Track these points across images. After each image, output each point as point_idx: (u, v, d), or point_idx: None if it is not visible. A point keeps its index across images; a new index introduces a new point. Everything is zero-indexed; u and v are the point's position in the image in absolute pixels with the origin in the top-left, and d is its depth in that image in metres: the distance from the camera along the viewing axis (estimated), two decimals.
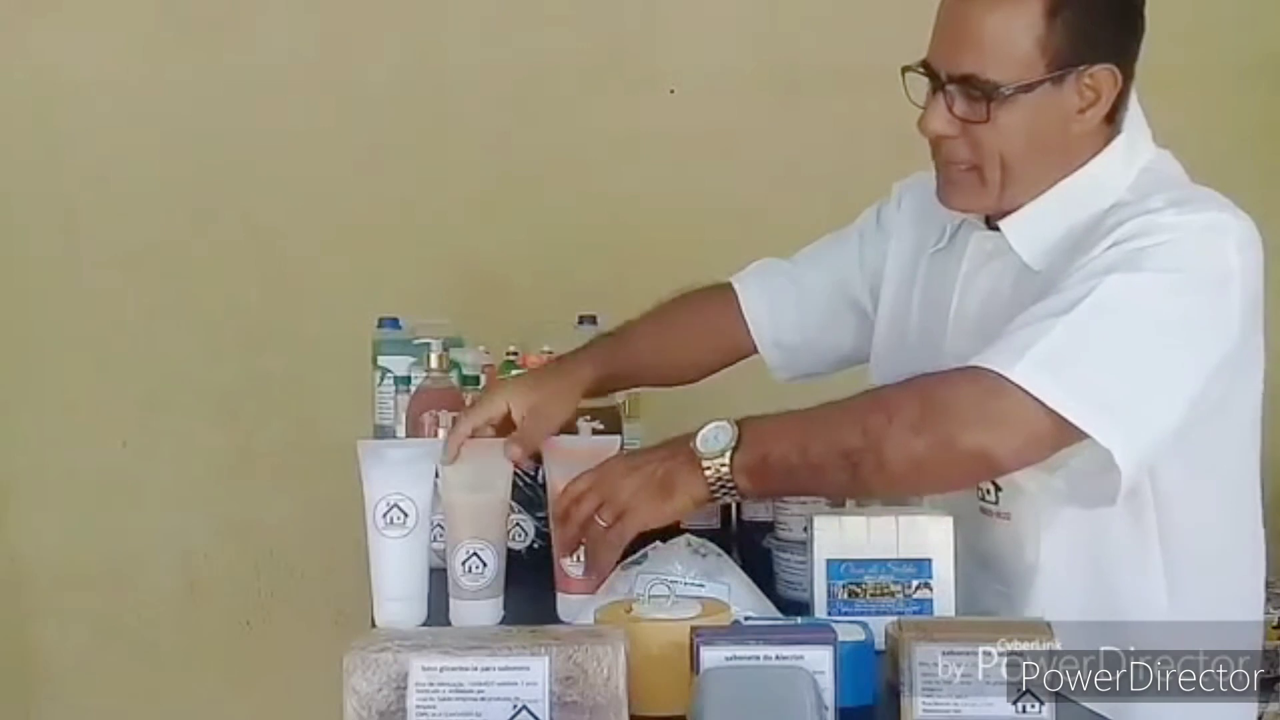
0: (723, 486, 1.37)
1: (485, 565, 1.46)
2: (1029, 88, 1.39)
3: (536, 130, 3.00)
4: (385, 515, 1.42)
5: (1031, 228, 1.47)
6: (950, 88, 1.42)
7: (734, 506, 1.83)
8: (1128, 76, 1.44)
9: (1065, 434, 1.31)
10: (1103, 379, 1.31)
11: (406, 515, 1.43)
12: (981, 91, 1.39)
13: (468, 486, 1.47)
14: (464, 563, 1.46)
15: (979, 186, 1.46)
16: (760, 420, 1.39)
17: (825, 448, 1.36)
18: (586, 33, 3.01)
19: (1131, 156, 1.48)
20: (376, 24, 3.00)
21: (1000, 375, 1.30)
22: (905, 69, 1.47)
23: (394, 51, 3.01)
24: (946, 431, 1.31)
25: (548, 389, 1.63)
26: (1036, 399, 1.29)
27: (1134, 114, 1.49)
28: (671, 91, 3.03)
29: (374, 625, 1.44)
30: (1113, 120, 1.46)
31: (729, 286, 1.82)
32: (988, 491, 1.50)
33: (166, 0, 2.98)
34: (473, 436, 1.55)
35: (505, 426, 1.58)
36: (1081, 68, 1.40)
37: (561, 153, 3.01)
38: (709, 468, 1.36)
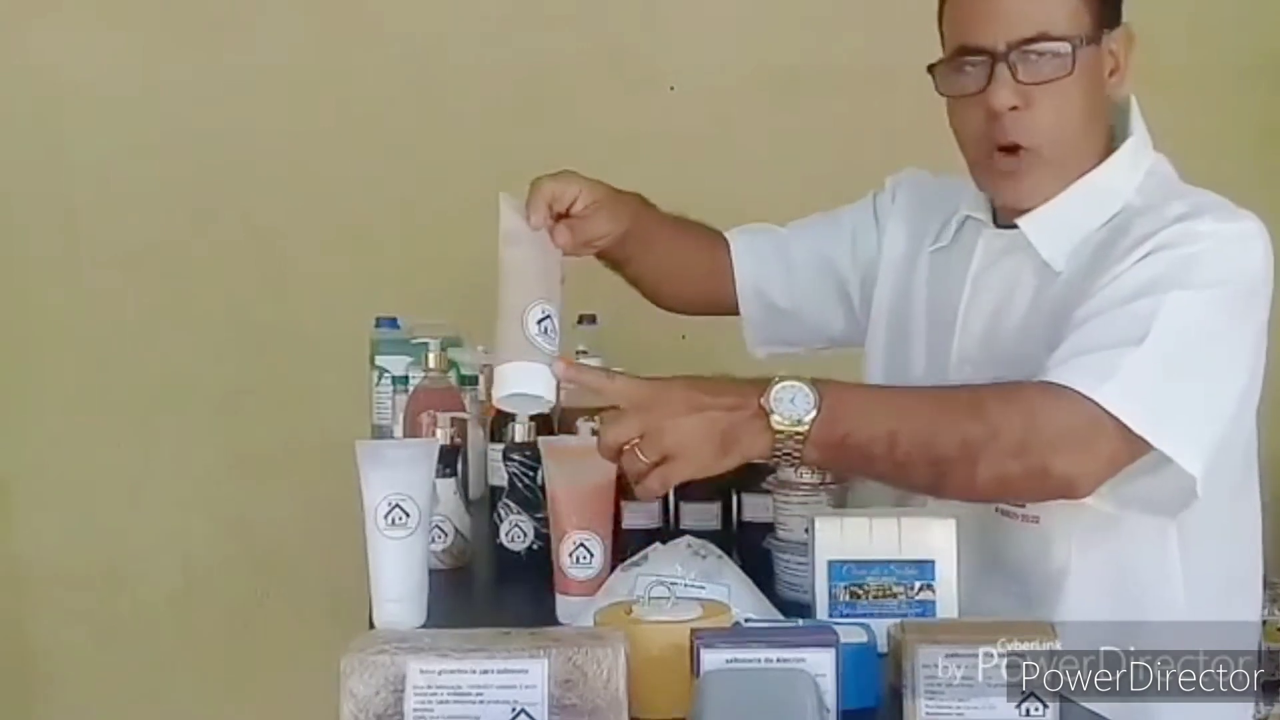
0: (788, 454, 1.29)
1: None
2: (1090, 40, 1.40)
3: (536, 130, 3.00)
4: (387, 515, 1.42)
5: (1052, 227, 1.47)
6: (1013, 56, 1.40)
7: (735, 507, 1.83)
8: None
9: (1138, 453, 1.33)
10: (1177, 401, 1.34)
11: (408, 515, 1.42)
12: (1064, 44, 1.39)
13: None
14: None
15: (1039, 167, 1.44)
16: (843, 391, 1.32)
17: (917, 448, 1.31)
18: (586, 33, 3.01)
19: (1137, 161, 1.49)
20: (376, 24, 3.00)
21: (1093, 401, 1.31)
22: (932, 66, 1.46)
23: (394, 51, 3.00)
24: (1043, 460, 1.31)
25: (611, 196, 1.58)
26: (1123, 423, 1.31)
27: (1136, 119, 1.51)
28: (671, 89, 3.03)
29: (372, 626, 1.44)
30: (1120, 107, 1.49)
31: (722, 235, 1.80)
32: None
33: (166, 0, 2.98)
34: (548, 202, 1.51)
35: (564, 211, 1.52)
36: (1108, 30, 1.43)
37: (561, 153, 2.98)
38: (781, 432, 1.28)
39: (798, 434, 1.28)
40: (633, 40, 3.04)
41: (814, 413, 1.28)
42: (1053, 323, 1.43)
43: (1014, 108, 1.42)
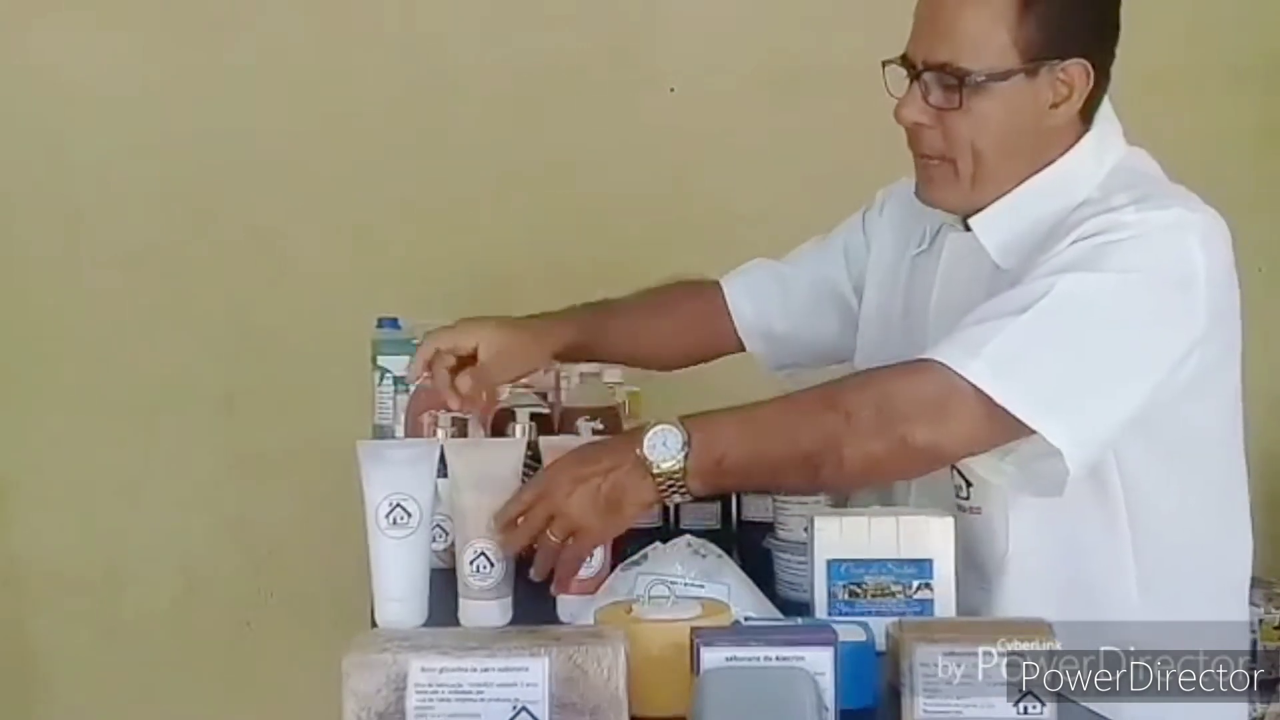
0: (673, 490, 1.37)
1: (493, 565, 1.45)
2: (1002, 76, 1.41)
3: (536, 130, 3.00)
4: (388, 515, 1.42)
5: (998, 225, 1.49)
6: (926, 76, 1.45)
7: (735, 507, 1.83)
8: (1101, 73, 1.46)
9: (1012, 429, 1.35)
10: (1051, 378, 1.34)
11: (410, 515, 1.42)
12: (955, 79, 1.42)
13: (476, 486, 1.46)
14: (472, 562, 1.45)
15: (953, 180, 1.48)
16: (708, 420, 1.38)
17: (783, 450, 1.37)
18: (586, 33, 3.01)
19: (1101, 154, 1.50)
20: (376, 24, 3.00)
21: (954, 371, 1.33)
22: (885, 62, 1.50)
23: (394, 51, 3.00)
24: (901, 432, 1.35)
25: (522, 337, 1.63)
26: (988, 396, 1.32)
27: (1105, 112, 1.51)
28: (672, 90, 3.03)
29: (374, 626, 1.44)
30: (1086, 118, 1.48)
31: (716, 283, 1.85)
32: (960, 488, 1.53)
33: (166, 0, 2.98)
34: (432, 364, 1.56)
35: (466, 362, 1.57)
36: (1054, 61, 1.43)
37: (561, 153, 3.01)
38: (659, 475, 1.36)
39: (675, 473, 1.36)
40: (633, 40, 3.04)
41: (685, 450, 1.35)
42: None
43: (919, 124, 1.47)
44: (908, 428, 1.35)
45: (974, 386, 1.32)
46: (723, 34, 3.05)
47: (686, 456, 1.35)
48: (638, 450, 1.36)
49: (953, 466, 1.49)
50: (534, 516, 1.40)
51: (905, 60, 1.48)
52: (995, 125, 1.44)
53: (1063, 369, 1.35)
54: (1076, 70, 1.44)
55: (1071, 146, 1.49)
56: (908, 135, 1.51)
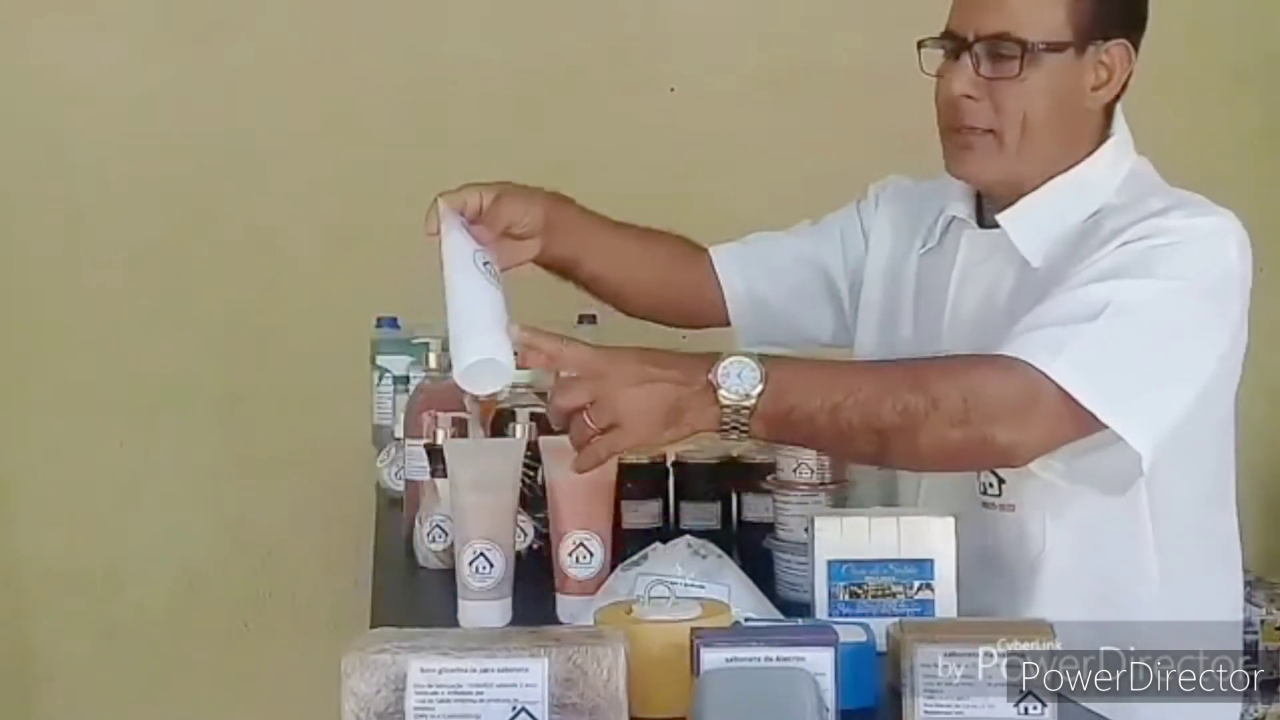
0: (735, 427, 1.31)
1: (492, 565, 1.45)
2: (1058, 48, 1.45)
3: (536, 130, 3.00)
4: (483, 263, 1.43)
5: (1030, 223, 1.51)
6: (978, 48, 1.47)
7: (735, 507, 1.83)
8: (1134, 61, 1.51)
9: (1086, 428, 1.36)
10: (1127, 381, 1.37)
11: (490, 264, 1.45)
12: (1018, 46, 1.44)
13: (476, 487, 1.46)
14: (471, 563, 1.45)
15: (996, 151, 1.50)
16: (788, 366, 1.35)
17: (859, 418, 1.33)
18: (586, 33, 3.01)
19: (1118, 160, 1.53)
20: (376, 24, 3.01)
21: (1040, 371, 1.34)
22: (921, 42, 1.52)
23: (394, 51, 3.00)
24: (985, 431, 1.35)
25: (521, 189, 1.63)
26: (1072, 397, 1.34)
27: (1119, 121, 1.55)
28: (672, 89, 3.03)
29: (374, 625, 1.44)
30: (1110, 113, 1.53)
31: (703, 249, 1.82)
32: (989, 485, 1.53)
33: (166, 1, 2.98)
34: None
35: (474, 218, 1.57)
36: (1100, 42, 1.47)
37: (561, 152, 3.00)
38: (728, 406, 1.30)
39: (744, 408, 1.30)
40: (633, 40, 3.04)
41: (760, 387, 1.30)
42: None
43: (969, 96, 1.48)
44: (992, 428, 1.35)
45: (1059, 387, 1.34)
46: (723, 34, 3.05)
47: (760, 395, 1.30)
48: (710, 375, 1.31)
49: None
50: (578, 392, 1.31)
51: (950, 36, 1.49)
52: (1046, 97, 1.46)
53: (1135, 373, 1.37)
54: (1119, 51, 1.48)
55: (1097, 145, 1.52)
56: (947, 110, 1.52)
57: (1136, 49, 1.51)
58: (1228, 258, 1.44)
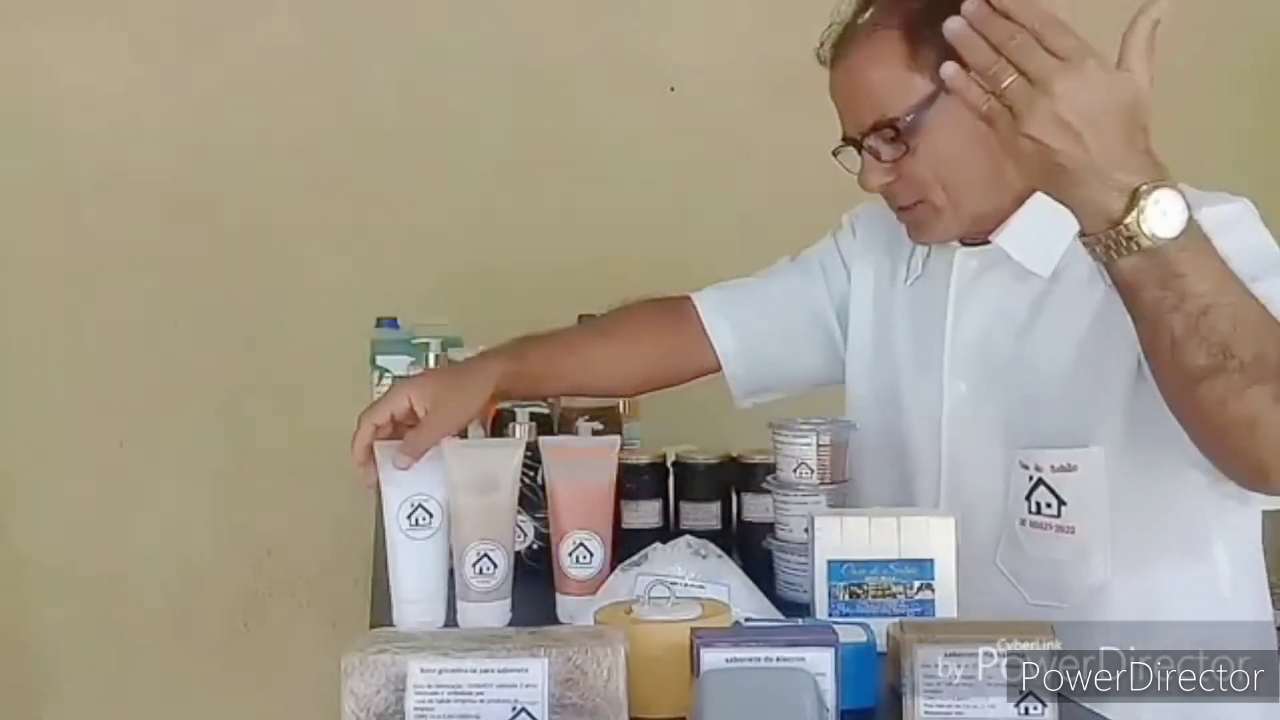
0: (1124, 241, 1.15)
1: (496, 566, 1.45)
2: (927, 104, 1.45)
3: (536, 130, 3.00)
4: (410, 516, 1.42)
5: (1028, 238, 1.50)
6: (869, 142, 1.50)
7: (735, 507, 1.83)
8: None
9: None
10: None
11: (431, 516, 1.42)
12: (892, 128, 1.47)
13: (476, 487, 1.46)
14: (475, 564, 1.45)
15: (936, 216, 1.52)
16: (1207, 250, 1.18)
17: (1219, 335, 1.17)
18: (586, 33, 3.01)
19: None
20: (377, 24, 3.01)
21: None
22: (835, 151, 1.56)
23: (394, 51, 3.01)
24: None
25: (456, 383, 1.56)
26: None
27: None
28: (671, 89, 3.03)
29: (374, 625, 1.43)
30: None
31: (685, 300, 1.78)
32: (1046, 505, 1.49)
33: (167, 1, 2.98)
34: (376, 435, 1.47)
35: (408, 423, 1.49)
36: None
37: (561, 153, 3.01)
38: (1133, 224, 1.15)
39: (1155, 237, 1.15)
40: (633, 40, 3.04)
41: (1181, 232, 1.16)
42: (1056, 327, 1.47)
43: (885, 183, 1.51)
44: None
45: None
46: (723, 34, 3.05)
47: (1177, 237, 1.15)
48: (1148, 184, 1.15)
49: (1040, 480, 1.47)
50: (1020, 46, 1.12)
51: (847, 140, 1.54)
52: (945, 149, 1.47)
53: None
54: None
55: None
56: (884, 198, 1.55)
57: None
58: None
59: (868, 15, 1.52)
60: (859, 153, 1.53)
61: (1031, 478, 1.48)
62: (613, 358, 1.75)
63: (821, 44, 1.58)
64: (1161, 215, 1.15)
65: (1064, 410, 1.47)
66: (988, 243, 1.54)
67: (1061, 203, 1.20)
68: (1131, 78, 1.18)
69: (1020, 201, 1.50)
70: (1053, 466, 1.46)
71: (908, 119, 1.47)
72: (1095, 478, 1.44)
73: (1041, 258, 1.50)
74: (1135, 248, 1.16)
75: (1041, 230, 1.48)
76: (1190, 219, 1.16)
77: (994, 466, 1.52)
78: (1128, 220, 1.15)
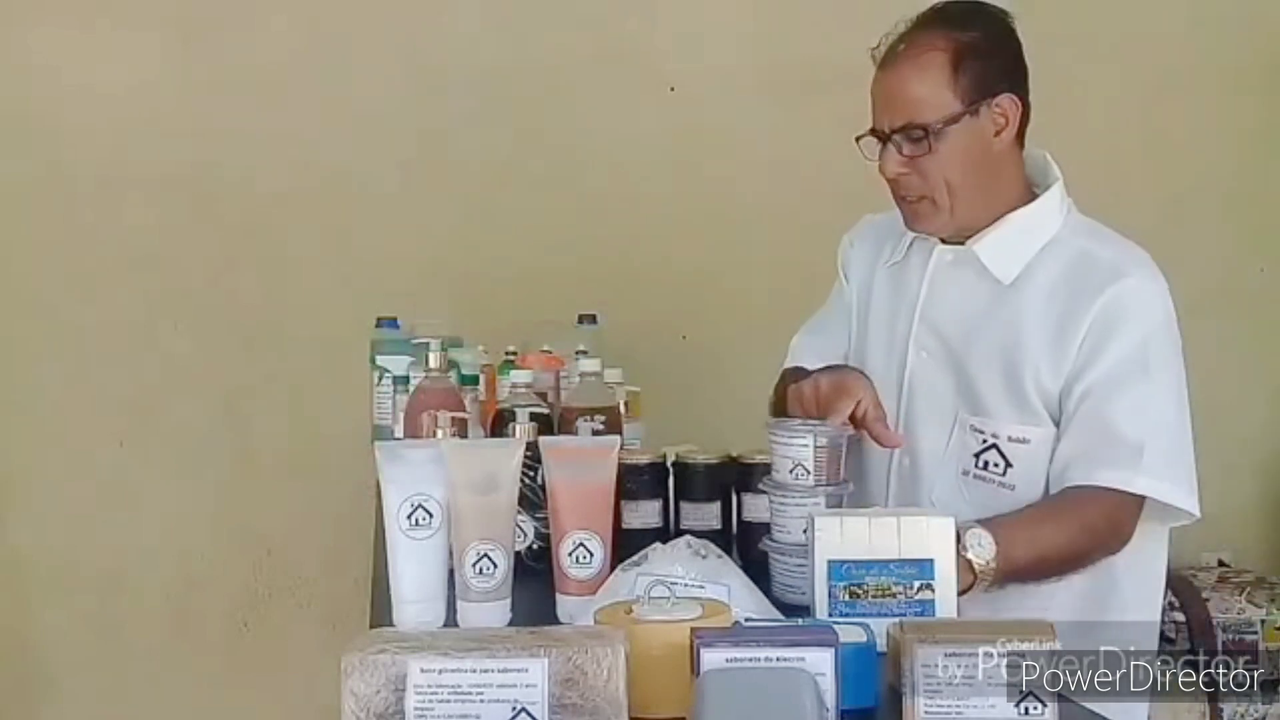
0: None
1: (496, 566, 1.45)
2: (954, 119, 1.74)
3: (536, 130, 3.00)
4: (410, 517, 1.42)
5: (999, 249, 1.79)
6: (895, 138, 1.76)
7: (735, 507, 1.83)
8: (1025, 101, 1.77)
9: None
10: (1182, 469, 1.71)
11: (431, 516, 1.42)
12: (922, 130, 1.74)
13: (476, 487, 1.46)
14: (475, 564, 1.45)
15: (934, 211, 1.78)
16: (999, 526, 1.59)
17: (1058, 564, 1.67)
18: (586, 33, 3.01)
19: (1061, 201, 1.81)
20: (376, 24, 3.01)
21: (1128, 494, 1.67)
22: (859, 137, 1.79)
23: (394, 51, 3.01)
24: (1109, 549, 1.71)
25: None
26: (1151, 499, 1.69)
27: (1054, 166, 1.82)
28: (671, 89, 3.03)
29: (373, 626, 1.43)
30: (1021, 140, 1.79)
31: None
32: (995, 464, 1.75)
33: (167, 2, 2.99)
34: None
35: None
36: (988, 100, 1.74)
37: (561, 152, 3.01)
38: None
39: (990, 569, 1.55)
40: (633, 40, 3.04)
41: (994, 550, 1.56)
42: (1007, 328, 1.75)
43: (901, 174, 1.76)
44: (1114, 545, 1.71)
45: (1142, 497, 1.68)
46: (723, 34, 3.05)
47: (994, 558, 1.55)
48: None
49: (994, 445, 1.75)
50: None
51: (874, 131, 1.78)
52: (958, 158, 1.75)
53: (1186, 459, 1.72)
54: (1007, 101, 1.75)
55: (1020, 172, 1.80)
56: (890, 185, 1.79)
57: (1025, 91, 1.77)
58: (1171, 308, 1.74)
59: (924, 34, 1.76)
60: (882, 143, 1.77)
61: (986, 441, 1.75)
62: None
63: (879, 45, 1.81)
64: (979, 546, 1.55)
65: (1000, 396, 1.75)
66: (963, 244, 1.80)
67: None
68: None
69: (998, 218, 1.78)
70: (1009, 437, 1.74)
71: (937, 126, 1.73)
72: (1042, 453, 1.73)
73: (1006, 266, 1.78)
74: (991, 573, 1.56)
75: (1011, 245, 1.78)
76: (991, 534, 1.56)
77: (942, 425, 1.79)
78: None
